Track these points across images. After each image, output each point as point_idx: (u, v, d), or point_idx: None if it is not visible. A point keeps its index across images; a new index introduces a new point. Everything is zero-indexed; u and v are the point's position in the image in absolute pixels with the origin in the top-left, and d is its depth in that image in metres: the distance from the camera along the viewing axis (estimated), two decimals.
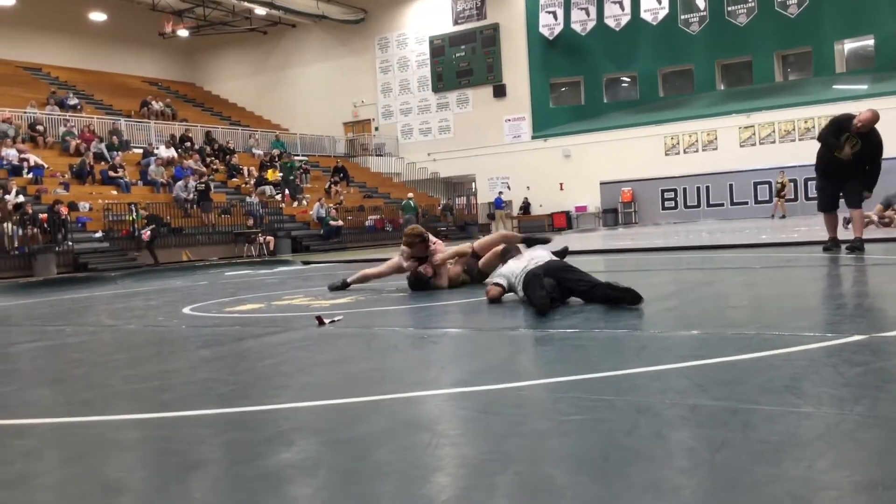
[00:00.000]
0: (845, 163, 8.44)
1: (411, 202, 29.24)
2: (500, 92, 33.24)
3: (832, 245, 8.98)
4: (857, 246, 8.58)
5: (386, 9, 35.30)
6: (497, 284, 5.90)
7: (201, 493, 2.09)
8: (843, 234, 9.60)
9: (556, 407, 2.73)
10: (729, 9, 29.34)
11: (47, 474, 2.34)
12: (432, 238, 7.35)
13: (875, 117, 8.33)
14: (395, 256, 7.70)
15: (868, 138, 8.38)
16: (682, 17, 30.06)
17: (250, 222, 23.23)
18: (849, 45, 29.41)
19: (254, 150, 30.28)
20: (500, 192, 32.57)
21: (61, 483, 2.24)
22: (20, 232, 17.50)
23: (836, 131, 8.57)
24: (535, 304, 5.03)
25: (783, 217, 24.66)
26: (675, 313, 5.01)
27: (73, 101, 28.26)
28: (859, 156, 8.39)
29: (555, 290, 5.18)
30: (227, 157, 28.24)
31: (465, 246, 7.51)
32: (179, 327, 5.78)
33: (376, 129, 36.28)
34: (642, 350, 3.63)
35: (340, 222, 25.96)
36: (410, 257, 7.29)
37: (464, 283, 7.23)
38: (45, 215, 18.26)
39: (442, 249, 7.27)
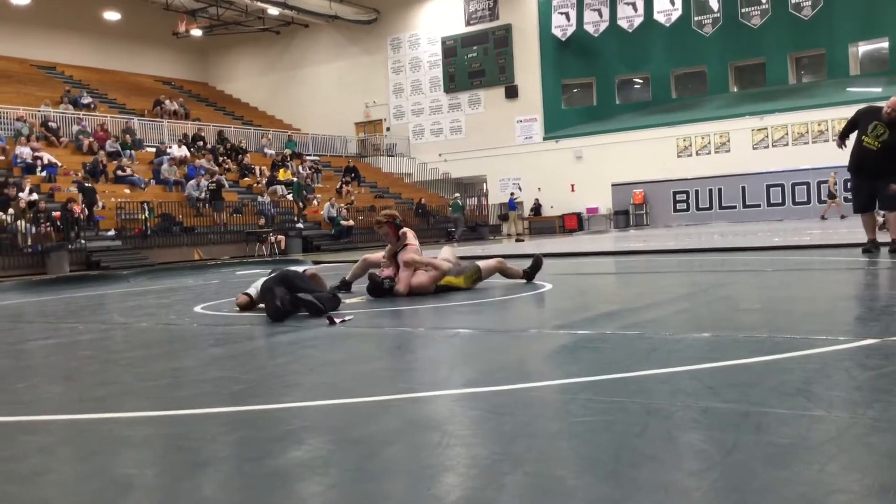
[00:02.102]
0: (875, 152, 8.27)
1: (458, 201, 30.37)
2: (511, 93, 33.22)
3: (871, 247, 8.63)
4: (895, 248, 8.33)
5: (398, 9, 35.34)
6: (246, 294, 6.23)
7: (212, 490, 2.10)
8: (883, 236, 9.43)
9: (566, 408, 2.72)
10: (742, 10, 29.23)
11: (60, 470, 2.35)
12: (408, 234, 6.99)
13: None
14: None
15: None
16: (696, 18, 29.97)
17: (262, 222, 23.30)
18: (863, 48, 29.25)
19: (266, 150, 30.37)
20: (512, 194, 32.55)
21: (74, 479, 2.26)
22: (33, 230, 17.61)
23: (867, 118, 8.43)
24: (268, 314, 5.46)
25: (843, 218, 22.97)
26: (687, 315, 5.00)
27: (86, 99, 28.41)
28: (889, 144, 8.23)
29: (284, 302, 5.49)
30: (240, 156, 28.34)
31: (444, 264, 6.86)
32: (191, 326, 5.81)
33: (388, 129, 36.32)
34: (653, 352, 3.62)
35: (351, 222, 26.00)
36: (389, 257, 7.02)
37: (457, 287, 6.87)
38: (58, 213, 18.36)
39: (414, 246, 6.90)
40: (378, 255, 7.56)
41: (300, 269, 6.18)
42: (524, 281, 7.34)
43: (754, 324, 4.48)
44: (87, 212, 19.14)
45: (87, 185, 20.53)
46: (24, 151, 21.30)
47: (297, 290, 5.69)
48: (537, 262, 7.46)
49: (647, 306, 5.46)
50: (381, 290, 6.80)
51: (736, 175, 28.16)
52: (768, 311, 5.12)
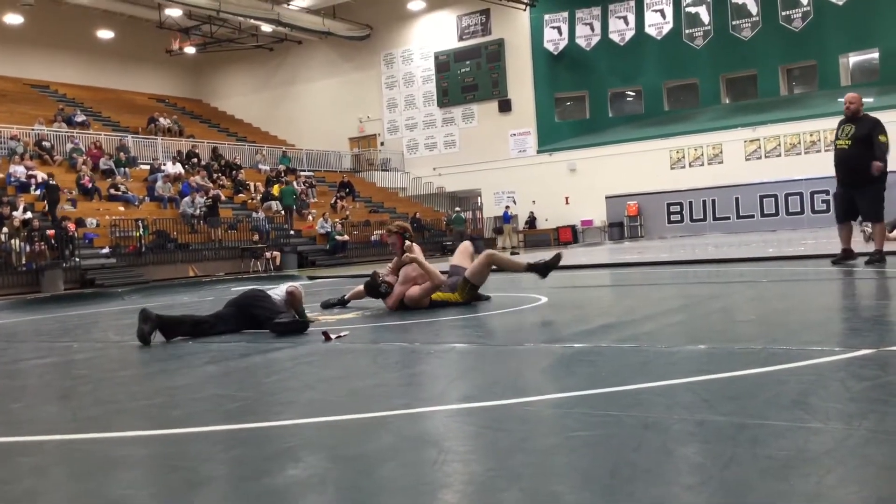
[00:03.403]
0: (849, 150, 8.38)
1: (461, 215, 30.88)
2: (505, 107, 33.33)
3: (844, 257, 8.71)
4: (876, 258, 8.34)
5: (391, 25, 35.48)
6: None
7: None
8: (864, 247, 9.49)
9: (562, 423, 2.72)
10: (733, 23, 29.41)
11: (54, 491, 2.34)
12: (415, 248, 7.01)
13: (858, 96, 8.59)
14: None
15: (861, 121, 8.47)
16: (687, 31, 30.14)
17: (256, 237, 23.29)
18: (854, 59, 29.43)
19: (260, 166, 30.39)
20: (507, 207, 32.61)
21: (68, 500, 2.24)
22: (28, 248, 17.57)
23: (838, 127, 8.72)
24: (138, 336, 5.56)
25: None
26: (682, 328, 5.00)
27: (80, 118, 28.42)
28: (857, 136, 8.34)
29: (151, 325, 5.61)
30: (234, 172, 28.35)
31: (439, 276, 6.78)
32: (186, 343, 5.79)
33: (382, 144, 36.39)
34: (649, 365, 3.62)
35: (346, 237, 26.00)
36: (394, 270, 7.04)
37: (455, 302, 6.78)
38: (52, 231, 18.32)
39: (417, 252, 6.92)
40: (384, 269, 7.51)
41: (281, 287, 6.13)
42: (527, 274, 7.16)
43: (750, 335, 4.48)
44: (47, 208, 19.21)
45: (51, 182, 20.49)
46: (19, 170, 21.28)
47: (252, 312, 5.89)
48: (557, 258, 6.97)
49: (643, 319, 5.47)
50: (375, 291, 6.83)
51: (729, 186, 28.24)
52: (763, 322, 5.13)
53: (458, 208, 32.19)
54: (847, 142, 8.45)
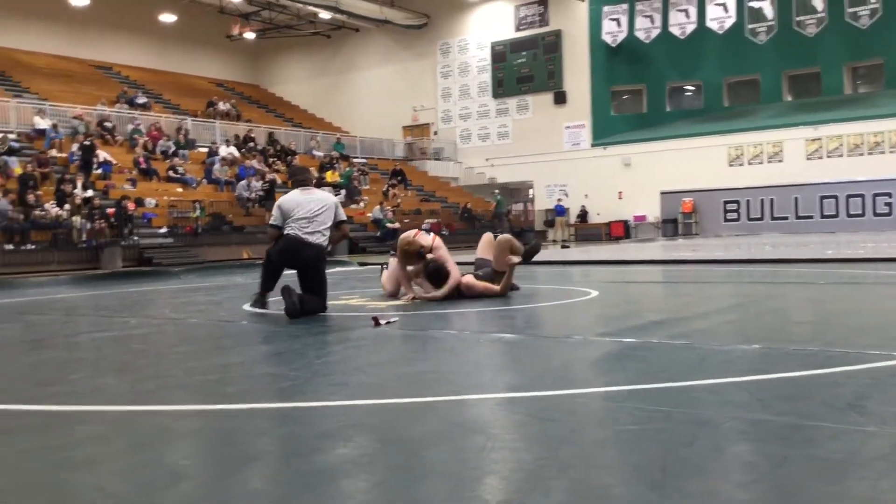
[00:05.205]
0: None
1: (500, 197, 31.32)
2: (560, 99, 33.06)
3: None
4: None
5: (449, 14, 35.42)
6: None
7: (260, 484, 2.14)
8: None
9: (612, 416, 2.71)
10: (798, 19, 28.70)
11: (113, 460, 2.42)
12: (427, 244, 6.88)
13: None
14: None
15: None
16: (749, 26, 29.51)
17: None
18: None
19: (314, 152, 30.68)
20: (559, 200, 32.40)
21: (126, 468, 2.31)
22: (88, 226, 18.03)
23: None
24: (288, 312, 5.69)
25: None
26: (736, 326, 4.93)
27: (141, 99, 29.00)
28: None
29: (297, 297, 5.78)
30: (289, 157, 28.68)
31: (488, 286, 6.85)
32: (240, 322, 5.90)
33: (435, 133, 36.41)
34: (702, 362, 3.58)
35: (397, 225, 26.11)
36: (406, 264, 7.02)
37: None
38: (112, 210, 18.77)
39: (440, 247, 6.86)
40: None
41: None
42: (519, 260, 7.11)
43: (805, 336, 4.40)
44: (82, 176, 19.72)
45: (86, 143, 21.05)
46: None
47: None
48: (536, 247, 7.43)
49: (695, 316, 5.41)
50: (437, 275, 6.73)
51: (789, 185, 27.62)
52: (820, 323, 5.03)
53: (496, 191, 32.16)
54: None
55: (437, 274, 6.74)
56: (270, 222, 6.46)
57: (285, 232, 6.12)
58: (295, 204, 6.19)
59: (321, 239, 6.15)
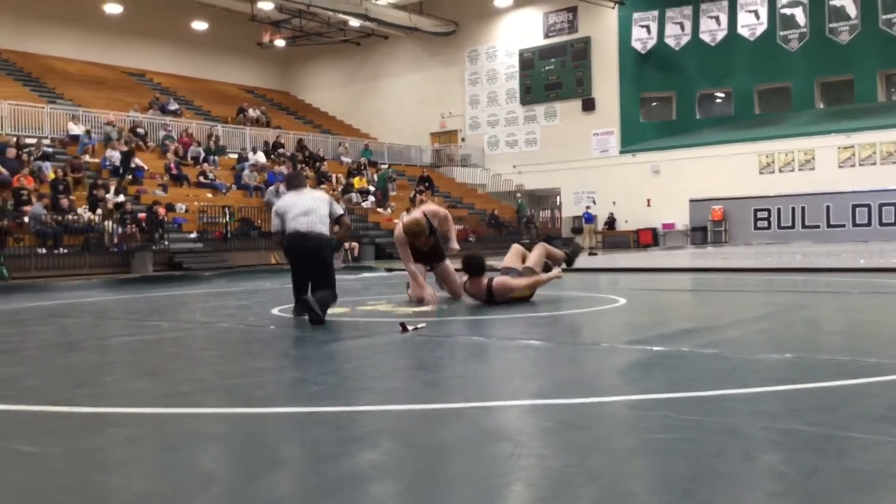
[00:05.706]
0: None
1: (521, 201, 31.95)
2: (588, 105, 32.96)
3: None
4: None
5: (477, 22, 35.49)
6: None
7: (288, 488, 2.15)
8: None
9: (641, 424, 2.70)
10: (830, 26, 28.39)
11: (145, 461, 2.45)
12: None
13: None
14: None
15: None
16: (781, 33, 29.24)
17: (336, 228, 23.59)
18: None
19: (342, 158, 30.84)
20: (588, 207, 32.28)
21: (158, 471, 2.34)
22: (119, 230, 18.27)
23: None
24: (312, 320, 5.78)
25: None
26: (767, 336, 4.88)
27: (173, 106, 29.36)
28: None
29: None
30: (317, 164, 28.86)
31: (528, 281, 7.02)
32: (269, 327, 5.94)
33: (463, 139, 36.44)
34: (732, 371, 3.55)
35: None
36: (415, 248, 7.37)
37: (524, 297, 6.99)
38: (143, 215, 19.01)
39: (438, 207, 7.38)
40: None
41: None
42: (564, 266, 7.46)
43: (837, 346, 4.35)
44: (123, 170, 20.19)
45: (125, 149, 21.97)
46: (114, 155, 22.12)
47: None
48: (576, 250, 7.79)
49: (726, 325, 5.36)
50: (477, 265, 6.89)
51: (820, 194, 27.29)
52: (852, 334, 4.96)
53: (518, 194, 32.77)
54: None
55: (473, 262, 6.88)
56: (272, 230, 6.79)
57: (287, 231, 6.38)
58: (290, 204, 6.49)
59: (321, 228, 6.41)
